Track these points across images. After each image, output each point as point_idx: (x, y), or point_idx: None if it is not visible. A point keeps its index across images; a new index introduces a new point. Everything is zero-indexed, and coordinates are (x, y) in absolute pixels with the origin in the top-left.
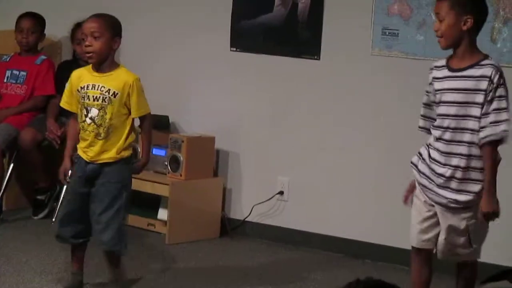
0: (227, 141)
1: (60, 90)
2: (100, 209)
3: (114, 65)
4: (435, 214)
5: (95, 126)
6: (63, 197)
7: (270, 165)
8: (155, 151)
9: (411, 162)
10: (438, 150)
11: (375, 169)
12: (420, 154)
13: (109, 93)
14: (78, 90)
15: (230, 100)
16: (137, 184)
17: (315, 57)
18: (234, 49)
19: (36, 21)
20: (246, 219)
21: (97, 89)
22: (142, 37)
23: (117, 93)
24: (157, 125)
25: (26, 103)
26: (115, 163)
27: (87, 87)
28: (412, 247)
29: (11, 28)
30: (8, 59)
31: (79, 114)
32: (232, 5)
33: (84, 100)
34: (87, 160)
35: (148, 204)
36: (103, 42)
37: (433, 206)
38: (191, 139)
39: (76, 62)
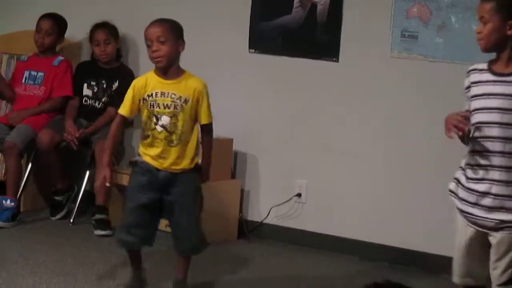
0: (245, 143)
1: (78, 91)
2: (185, 218)
3: (181, 71)
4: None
5: (167, 133)
6: (127, 204)
7: (288, 167)
8: None
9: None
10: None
11: (393, 173)
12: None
13: (180, 100)
14: (144, 98)
15: (248, 102)
16: None
17: (334, 59)
18: (253, 50)
19: (55, 22)
20: (263, 221)
21: (168, 97)
22: None
23: (188, 100)
24: None
25: (44, 104)
26: (189, 170)
27: (156, 94)
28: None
29: (28, 29)
30: (26, 59)
31: (145, 122)
32: (251, 7)
33: (153, 108)
34: (159, 168)
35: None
36: (170, 46)
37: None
38: None
39: (94, 63)
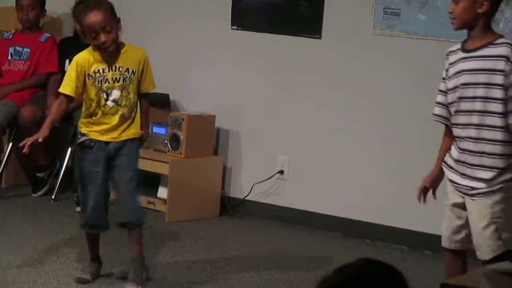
0: (228, 119)
1: (60, 67)
2: (128, 177)
3: (121, 44)
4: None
5: (119, 107)
6: (83, 186)
7: (270, 144)
8: (155, 129)
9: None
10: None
11: (375, 149)
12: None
13: (128, 72)
14: (89, 74)
15: (230, 78)
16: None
17: (316, 36)
18: (235, 27)
19: None
20: (246, 198)
21: (116, 70)
22: (142, 14)
23: (135, 71)
24: (157, 103)
25: (28, 79)
26: (134, 138)
27: (104, 70)
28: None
29: (11, 5)
30: (10, 36)
31: (93, 99)
32: None
33: (101, 84)
34: (107, 141)
35: (148, 182)
36: (114, 31)
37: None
38: (192, 117)
39: (77, 40)
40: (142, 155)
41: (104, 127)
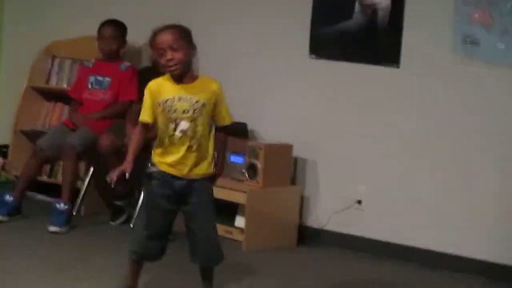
0: (305, 149)
1: (140, 97)
2: (206, 228)
3: (195, 75)
4: None
5: (186, 139)
6: (146, 212)
7: (348, 174)
8: (233, 158)
9: None
10: None
11: (453, 180)
12: None
13: (199, 104)
14: (159, 103)
15: (308, 107)
16: (214, 191)
17: (395, 65)
18: (313, 56)
19: (118, 28)
20: (323, 228)
21: (186, 101)
22: (221, 43)
23: (206, 104)
24: (235, 132)
25: (109, 108)
26: (203, 178)
27: (174, 99)
28: None
29: (89, 34)
30: (90, 65)
31: (162, 128)
32: (311, 12)
33: (170, 113)
34: (178, 176)
35: (226, 211)
36: (183, 52)
37: None
38: (269, 146)
39: (155, 69)
40: (220, 184)
41: (172, 158)
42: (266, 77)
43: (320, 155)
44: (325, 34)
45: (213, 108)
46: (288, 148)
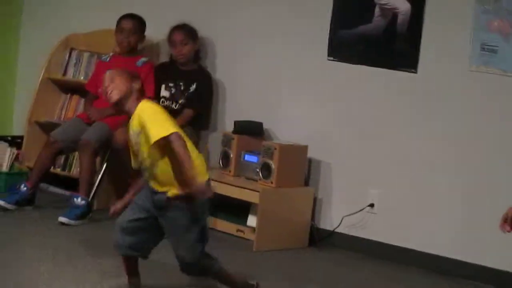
0: (320, 150)
1: (156, 92)
2: (177, 246)
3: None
4: None
5: (144, 167)
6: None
7: (361, 177)
8: (247, 157)
9: None
10: None
11: (466, 186)
12: None
13: (137, 136)
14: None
15: (324, 109)
16: (227, 190)
17: (413, 70)
18: (331, 58)
19: (137, 22)
20: (335, 230)
21: (132, 135)
22: (239, 44)
23: (139, 132)
24: (250, 132)
25: None
26: (183, 198)
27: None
28: None
29: (108, 28)
30: (108, 59)
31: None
32: (331, 14)
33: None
34: (156, 190)
35: (238, 210)
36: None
37: None
38: (284, 147)
39: (172, 65)
40: (233, 183)
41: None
42: (283, 78)
43: (334, 157)
44: (344, 37)
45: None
46: (302, 149)
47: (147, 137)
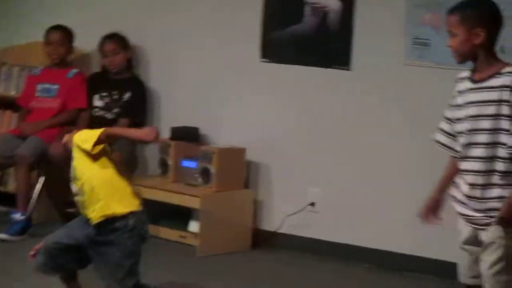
0: (258, 152)
1: (89, 102)
2: (107, 273)
3: None
4: None
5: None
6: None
7: (301, 177)
8: (186, 163)
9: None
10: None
11: (407, 181)
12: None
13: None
14: None
15: (260, 111)
16: (167, 197)
17: (346, 67)
18: (265, 59)
19: (65, 33)
20: (277, 231)
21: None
22: (171, 50)
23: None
24: (187, 137)
25: (58, 116)
26: (120, 221)
27: None
28: None
29: (38, 41)
30: (38, 73)
31: None
32: (262, 16)
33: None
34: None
35: (180, 216)
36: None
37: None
38: (222, 150)
39: (105, 75)
40: (173, 189)
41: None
42: (218, 82)
43: (273, 158)
44: (276, 38)
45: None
46: (241, 152)
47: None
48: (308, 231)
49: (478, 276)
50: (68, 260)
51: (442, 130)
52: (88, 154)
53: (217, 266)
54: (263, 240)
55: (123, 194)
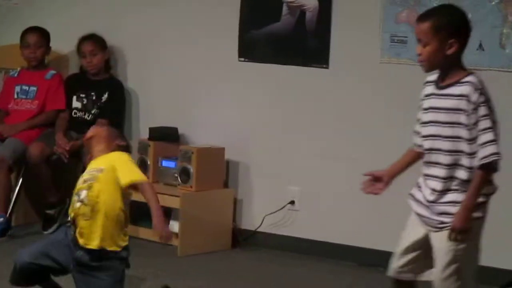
0: (237, 151)
1: (68, 103)
2: None
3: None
4: None
5: (84, 206)
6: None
7: (280, 175)
8: (165, 163)
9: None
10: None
11: None
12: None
13: (96, 171)
14: None
15: (239, 110)
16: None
17: (324, 66)
18: (243, 59)
19: (41, 35)
20: (257, 230)
21: (88, 172)
22: (148, 50)
23: (103, 169)
24: (166, 137)
25: (37, 118)
26: (112, 256)
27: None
28: None
29: (15, 42)
30: (16, 75)
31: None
32: (239, 15)
33: (75, 187)
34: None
35: None
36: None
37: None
38: (201, 150)
39: (83, 76)
40: None
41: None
42: (196, 81)
43: (252, 157)
44: (254, 37)
45: (112, 173)
46: (220, 151)
47: (117, 177)
48: (288, 230)
49: (407, 270)
50: (41, 277)
51: (418, 133)
52: (117, 183)
53: (197, 265)
54: (243, 239)
55: (122, 229)
